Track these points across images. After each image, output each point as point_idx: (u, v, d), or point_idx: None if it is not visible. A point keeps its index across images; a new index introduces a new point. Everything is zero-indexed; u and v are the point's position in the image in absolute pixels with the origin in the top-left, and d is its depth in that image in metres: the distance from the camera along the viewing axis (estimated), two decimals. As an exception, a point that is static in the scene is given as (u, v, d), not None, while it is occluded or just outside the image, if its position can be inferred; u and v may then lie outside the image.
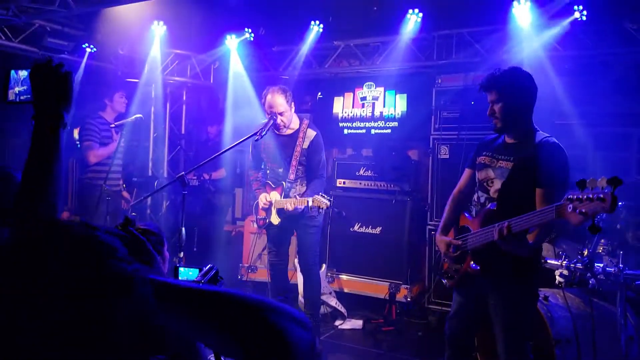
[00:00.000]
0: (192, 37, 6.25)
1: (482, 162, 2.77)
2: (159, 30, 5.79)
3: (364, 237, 5.34)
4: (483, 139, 2.91)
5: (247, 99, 6.03)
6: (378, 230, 5.31)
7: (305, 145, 4.12)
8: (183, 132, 7.27)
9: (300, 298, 4.96)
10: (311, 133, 4.15)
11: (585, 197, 2.02)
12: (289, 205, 3.97)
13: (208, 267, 1.72)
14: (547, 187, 2.48)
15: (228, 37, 6.05)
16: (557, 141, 2.59)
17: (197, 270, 1.81)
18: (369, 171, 5.48)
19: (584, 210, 2.02)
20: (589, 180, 2.02)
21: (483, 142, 2.88)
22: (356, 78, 5.95)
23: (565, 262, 3.24)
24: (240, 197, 6.76)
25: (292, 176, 4.11)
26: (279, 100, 4.00)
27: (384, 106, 5.73)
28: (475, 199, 2.81)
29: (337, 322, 4.92)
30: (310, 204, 3.85)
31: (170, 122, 7.06)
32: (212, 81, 6.94)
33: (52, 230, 0.78)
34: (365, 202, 5.39)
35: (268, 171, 4.31)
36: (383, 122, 5.73)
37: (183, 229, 3.52)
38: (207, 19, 5.59)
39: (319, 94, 6.14)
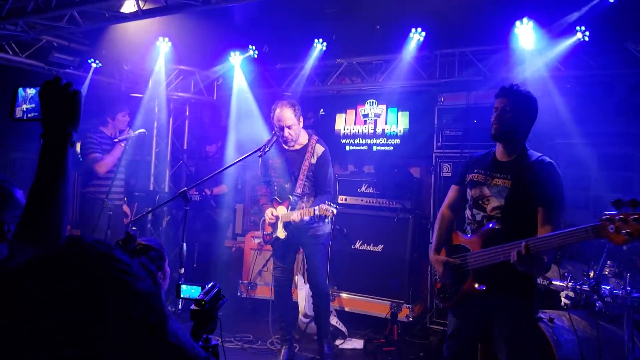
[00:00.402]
0: (197, 54, 6.30)
1: (475, 179, 2.77)
2: (163, 46, 5.84)
3: (366, 255, 5.30)
4: (472, 155, 2.92)
5: (250, 115, 6.06)
6: (380, 248, 5.27)
7: (314, 160, 4.15)
8: (185, 147, 7.27)
9: (301, 317, 4.90)
10: (320, 149, 4.18)
11: (632, 218, 2.02)
12: (296, 216, 3.99)
13: (210, 285, 1.71)
14: (548, 206, 2.54)
15: (232, 53, 6.09)
16: (551, 160, 2.65)
17: (200, 287, 1.79)
18: (371, 188, 5.47)
19: (629, 231, 2.02)
20: (629, 201, 2.02)
21: (472, 158, 2.89)
22: (358, 95, 5.98)
23: (571, 283, 3.20)
24: (241, 213, 6.74)
25: (299, 190, 4.13)
26: (287, 114, 4.05)
27: (386, 123, 5.74)
28: (469, 217, 2.79)
29: (338, 342, 4.85)
30: (316, 212, 3.87)
31: (173, 137, 7.08)
32: (215, 97, 6.97)
33: (72, 249, 0.78)
34: (366, 219, 5.36)
35: (275, 187, 4.32)
36: (385, 139, 5.73)
37: (184, 244, 3.50)
38: (211, 36, 5.63)
39: (321, 110, 6.16)
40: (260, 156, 3.97)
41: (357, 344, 4.87)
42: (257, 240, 5.76)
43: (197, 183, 4.29)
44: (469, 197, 2.80)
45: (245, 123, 6.14)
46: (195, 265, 5.99)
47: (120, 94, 6.17)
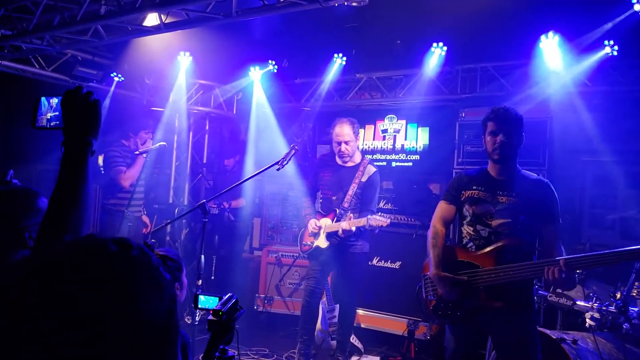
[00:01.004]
0: (217, 68, 6.37)
1: (475, 196, 2.81)
2: (184, 60, 5.92)
3: (383, 272, 5.23)
4: (464, 173, 2.98)
5: (269, 129, 6.08)
6: (397, 265, 5.19)
7: (364, 179, 4.28)
8: (205, 161, 7.32)
9: (317, 332, 4.84)
10: (371, 169, 4.34)
11: None
12: (346, 224, 4.07)
13: (228, 296, 1.69)
14: (556, 224, 2.72)
15: (252, 68, 6.14)
16: (547, 180, 2.87)
17: (217, 298, 1.77)
18: (390, 204, 5.42)
19: None
20: None
21: (466, 176, 2.93)
22: (378, 110, 5.96)
23: (596, 304, 3.10)
24: (259, 227, 6.73)
25: (346, 204, 4.26)
26: (346, 130, 4.26)
27: (406, 139, 5.70)
28: (472, 233, 2.79)
29: (354, 358, 4.76)
30: (370, 222, 3.95)
31: (193, 151, 7.13)
32: (234, 112, 7.02)
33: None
34: (384, 235, 5.27)
35: (321, 199, 4.47)
36: (404, 155, 5.69)
37: (202, 256, 3.49)
38: (231, 51, 5.70)
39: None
40: (278, 169, 3.97)
41: (373, 362, 4.78)
42: (274, 255, 5.74)
43: (215, 195, 4.30)
44: (467, 214, 2.84)
45: (264, 137, 6.17)
46: (212, 277, 5.98)
47: (142, 107, 6.26)
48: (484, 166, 2.93)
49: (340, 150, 4.27)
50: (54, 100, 1.47)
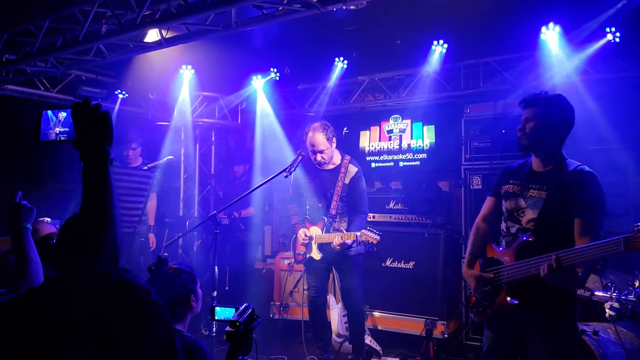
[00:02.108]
0: (220, 80, 6.41)
1: (510, 190, 2.68)
2: (187, 74, 5.96)
3: (397, 273, 5.20)
4: (508, 166, 2.83)
5: (274, 137, 6.10)
6: (411, 265, 5.17)
7: (347, 180, 4.16)
8: (213, 172, 7.36)
9: (334, 336, 4.83)
10: (353, 169, 4.20)
11: None
12: (337, 240, 3.94)
13: (244, 306, 1.69)
14: (587, 217, 2.42)
15: (254, 77, 6.17)
16: (590, 169, 2.52)
17: (234, 309, 1.77)
18: (399, 204, 5.40)
19: None
20: None
21: (508, 169, 2.79)
22: (382, 111, 5.95)
23: (615, 294, 3.07)
24: (270, 235, 6.73)
25: (333, 211, 4.15)
26: (319, 138, 4.10)
27: (412, 138, 5.69)
28: (504, 229, 2.71)
29: (373, 362, 4.74)
30: (358, 238, 3.83)
31: (200, 162, 7.17)
32: (239, 121, 7.05)
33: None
34: (396, 236, 5.28)
35: (308, 206, 4.34)
36: (411, 154, 5.67)
37: (216, 267, 3.51)
38: (233, 61, 5.73)
39: (345, 129, 6.16)
40: (286, 176, 3.98)
41: (393, 363, 4.76)
42: (287, 261, 5.73)
43: (226, 206, 4.32)
44: (504, 209, 2.72)
45: (271, 145, 6.18)
46: (227, 288, 5.99)
47: (147, 122, 6.30)
48: (529, 158, 2.72)
49: (316, 159, 4.15)
50: (62, 114, 1.47)
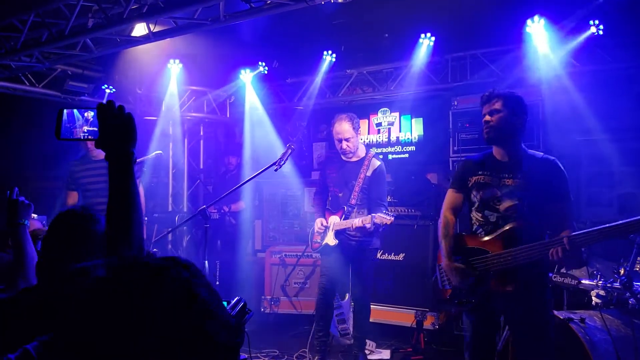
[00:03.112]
0: (208, 74, 6.38)
1: (481, 181, 2.78)
2: (174, 68, 5.92)
3: (387, 265, 5.24)
4: (469, 159, 2.95)
5: (264, 130, 6.09)
6: (401, 256, 5.21)
7: (369, 173, 4.23)
8: (202, 166, 7.33)
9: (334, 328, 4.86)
10: (376, 162, 4.28)
11: None
12: (355, 223, 4.05)
13: (235, 299, 1.69)
14: (566, 201, 2.65)
15: (242, 71, 6.15)
16: (555, 157, 2.76)
17: (225, 303, 1.77)
18: (389, 196, 5.42)
19: None
20: None
21: (471, 161, 2.90)
22: (370, 105, 5.97)
23: (601, 282, 3.12)
24: (260, 229, 6.73)
25: (353, 201, 4.22)
26: (346, 127, 4.19)
27: (400, 131, 5.71)
28: (481, 218, 2.78)
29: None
30: (375, 220, 3.93)
31: (189, 157, 7.14)
32: (228, 115, 7.03)
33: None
34: (386, 228, 5.29)
35: (330, 197, 4.43)
36: (400, 147, 5.70)
37: (206, 262, 3.50)
38: (221, 55, 5.70)
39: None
40: (276, 170, 3.98)
41: (384, 354, 4.80)
42: (277, 256, 5.75)
43: (215, 200, 4.31)
44: (475, 200, 2.81)
45: (260, 139, 6.18)
46: (217, 282, 5.98)
47: (135, 117, 6.24)
48: (489, 150, 2.87)
49: (342, 148, 4.24)
50: (90, 114, 1.50)
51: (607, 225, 2.35)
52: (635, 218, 2.27)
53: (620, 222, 2.31)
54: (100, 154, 5.18)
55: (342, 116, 4.26)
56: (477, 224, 2.81)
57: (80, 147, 4.97)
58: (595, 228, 2.41)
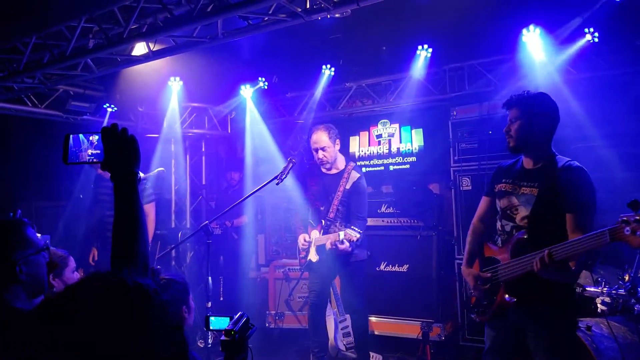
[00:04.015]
0: (208, 90, 6.43)
1: (503, 189, 2.72)
2: (175, 85, 5.97)
3: (391, 276, 5.23)
4: (500, 165, 2.87)
5: (265, 145, 6.12)
6: (405, 268, 5.20)
7: (348, 186, 4.22)
8: (204, 182, 7.35)
9: (330, 345, 4.83)
10: (355, 175, 4.26)
11: None
12: (328, 244, 4.04)
13: (239, 315, 1.70)
14: (578, 212, 2.46)
15: (242, 87, 6.20)
16: (580, 165, 2.56)
17: (228, 318, 1.78)
18: (391, 208, 5.43)
19: None
20: None
21: (501, 168, 2.84)
22: (370, 117, 6.00)
23: (605, 289, 3.10)
24: (263, 244, 6.73)
25: (331, 215, 4.20)
26: (322, 137, 4.22)
27: (401, 142, 5.73)
28: (499, 228, 2.74)
29: (371, 366, 4.74)
30: (341, 237, 3.89)
31: (191, 173, 7.17)
32: (229, 131, 7.07)
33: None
34: (389, 239, 5.31)
35: (310, 210, 4.42)
36: (401, 157, 5.72)
37: (210, 278, 3.50)
38: (221, 72, 5.76)
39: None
40: (277, 184, 4.00)
41: (390, 367, 4.77)
42: (281, 270, 5.74)
43: (217, 216, 4.33)
44: (498, 208, 2.75)
45: (261, 153, 6.20)
46: (221, 298, 5.98)
47: (137, 135, 6.28)
48: (521, 157, 2.75)
49: (318, 158, 4.23)
50: (94, 137, 1.56)
51: (584, 236, 2.22)
52: (602, 229, 2.13)
53: (594, 232, 2.16)
54: (107, 173, 5.25)
55: (319, 127, 4.28)
56: (497, 233, 2.77)
57: (81, 168, 5.08)
58: (573, 239, 2.28)
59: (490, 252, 2.76)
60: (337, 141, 4.28)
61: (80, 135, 1.57)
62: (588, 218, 2.44)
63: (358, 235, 3.88)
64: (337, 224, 4.18)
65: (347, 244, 3.91)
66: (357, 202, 4.20)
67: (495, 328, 2.76)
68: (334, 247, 3.99)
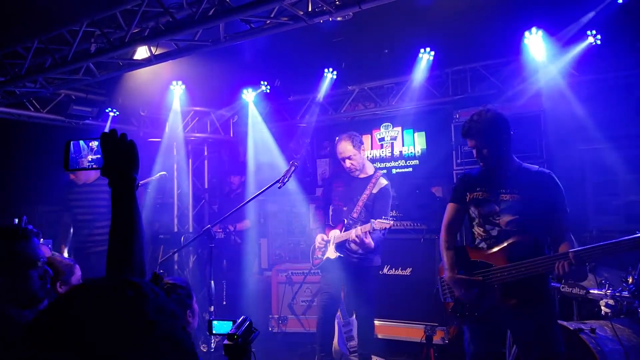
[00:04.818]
0: (210, 94, 6.43)
1: (479, 197, 2.81)
2: (177, 89, 5.98)
3: (395, 280, 5.21)
4: (467, 173, 2.99)
5: (267, 149, 6.12)
6: (408, 271, 5.18)
7: (375, 190, 4.25)
8: (206, 186, 7.35)
9: (334, 349, 4.81)
10: (383, 181, 4.29)
11: None
12: (354, 233, 4.04)
13: (241, 318, 1.69)
14: (560, 214, 2.68)
15: (245, 91, 6.21)
16: (549, 170, 2.82)
17: (231, 322, 1.77)
18: (394, 211, 5.40)
19: None
20: None
21: (469, 177, 2.95)
22: (373, 120, 6.00)
23: (609, 291, 3.09)
24: (266, 248, 6.72)
25: (355, 215, 4.22)
26: (347, 146, 4.24)
27: (403, 145, 5.73)
28: (483, 233, 2.80)
29: (374, 371, 4.72)
30: (373, 225, 3.90)
31: (194, 177, 7.16)
32: (232, 135, 7.07)
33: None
34: (392, 243, 5.27)
35: (331, 212, 4.42)
36: (403, 161, 5.71)
37: (212, 282, 3.49)
38: (223, 75, 5.76)
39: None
40: (280, 187, 3.99)
41: (394, 371, 4.74)
42: (284, 274, 5.73)
43: (219, 220, 4.32)
44: (474, 215, 2.84)
45: (263, 157, 6.20)
46: (224, 302, 5.97)
47: (139, 139, 6.29)
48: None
49: (347, 167, 4.27)
50: (94, 143, 1.57)
51: (611, 241, 2.36)
52: (635, 235, 2.29)
53: (624, 238, 2.31)
54: (82, 178, 5.26)
55: (342, 136, 4.31)
56: (480, 237, 2.83)
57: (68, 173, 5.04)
58: (600, 244, 2.43)
59: (477, 256, 2.80)
60: (362, 147, 4.33)
61: (81, 142, 1.58)
62: (569, 218, 2.71)
63: (391, 223, 3.91)
64: (359, 225, 4.19)
65: (369, 239, 3.95)
66: (381, 205, 4.24)
67: (480, 330, 2.82)
68: (358, 239, 3.99)
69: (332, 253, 4.25)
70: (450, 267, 2.85)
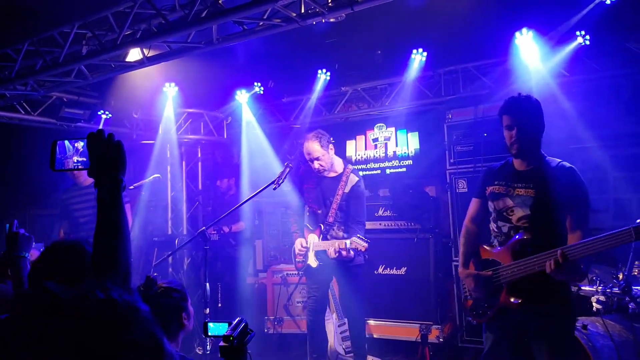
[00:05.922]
0: (204, 96, 6.43)
1: (496, 191, 2.74)
2: (170, 91, 5.97)
3: (389, 279, 5.23)
4: (490, 167, 2.90)
5: (261, 150, 6.12)
6: (403, 271, 5.20)
7: (347, 189, 4.18)
8: (200, 188, 7.34)
9: (330, 350, 4.83)
10: (354, 178, 4.22)
11: None
12: (331, 249, 3.98)
13: (237, 320, 1.70)
14: (576, 212, 2.53)
15: (238, 92, 6.20)
16: (572, 165, 2.64)
17: (227, 324, 1.78)
18: (388, 211, 5.44)
19: None
20: None
21: (491, 170, 2.86)
22: (366, 121, 6.02)
23: (600, 287, 3.12)
24: (261, 249, 6.71)
25: (330, 219, 4.16)
26: (314, 146, 4.14)
27: (397, 145, 5.75)
28: (495, 229, 2.75)
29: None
30: (347, 245, 3.86)
31: (187, 179, 7.15)
32: (225, 136, 7.07)
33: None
34: (387, 242, 5.31)
35: (307, 213, 4.35)
36: (397, 161, 5.73)
37: (207, 284, 3.49)
38: (216, 77, 5.76)
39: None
40: (274, 189, 4.00)
41: (389, 371, 4.76)
42: (279, 275, 5.73)
43: (213, 222, 4.32)
44: (491, 210, 2.77)
45: (258, 158, 6.20)
46: (219, 305, 5.96)
47: (132, 141, 6.28)
48: (509, 158, 2.80)
49: (315, 168, 4.18)
50: (80, 144, 1.54)
51: (606, 234, 2.27)
52: (621, 229, 2.22)
53: (618, 230, 2.23)
54: (87, 180, 5.24)
55: (308, 135, 4.19)
56: (493, 234, 2.79)
57: (68, 176, 5.04)
58: (587, 239, 2.34)
59: (487, 254, 2.76)
60: (331, 146, 4.22)
61: (66, 142, 1.55)
62: (586, 217, 2.53)
63: (366, 245, 3.82)
64: (336, 227, 4.16)
65: (352, 252, 3.89)
66: (356, 206, 4.17)
67: (494, 330, 2.76)
68: (337, 254, 3.94)
69: (313, 261, 4.20)
70: (461, 263, 2.83)
